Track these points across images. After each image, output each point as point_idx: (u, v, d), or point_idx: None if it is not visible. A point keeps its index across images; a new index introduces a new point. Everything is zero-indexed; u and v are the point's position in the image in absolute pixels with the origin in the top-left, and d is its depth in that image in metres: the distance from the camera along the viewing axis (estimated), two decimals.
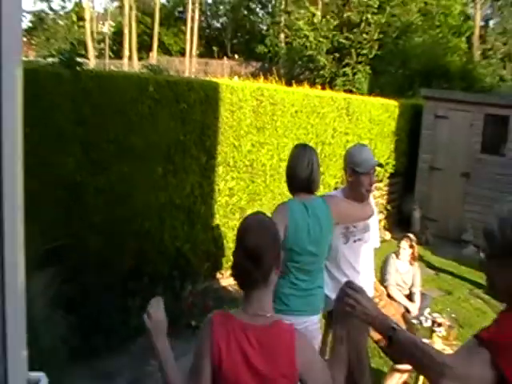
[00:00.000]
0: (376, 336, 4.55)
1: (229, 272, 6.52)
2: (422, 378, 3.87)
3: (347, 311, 2.06)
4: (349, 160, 3.76)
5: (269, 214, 2.65)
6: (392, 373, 4.65)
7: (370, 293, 3.92)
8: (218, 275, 6.60)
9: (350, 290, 2.04)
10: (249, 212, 6.81)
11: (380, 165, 3.92)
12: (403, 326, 4.43)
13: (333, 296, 3.67)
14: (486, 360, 1.82)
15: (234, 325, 2.09)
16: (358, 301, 2.01)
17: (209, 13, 37.84)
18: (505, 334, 1.89)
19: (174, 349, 4.86)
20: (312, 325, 3.52)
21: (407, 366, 4.53)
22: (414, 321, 4.84)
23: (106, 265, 4.88)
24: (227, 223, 6.56)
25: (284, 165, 3.72)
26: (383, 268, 5.70)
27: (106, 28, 35.45)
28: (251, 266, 2.06)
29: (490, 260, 2.03)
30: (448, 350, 3.54)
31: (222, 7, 37.76)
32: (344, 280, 3.68)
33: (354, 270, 3.82)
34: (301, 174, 3.46)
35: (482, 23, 28.66)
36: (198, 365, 2.11)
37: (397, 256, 5.69)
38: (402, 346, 1.95)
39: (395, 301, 5.35)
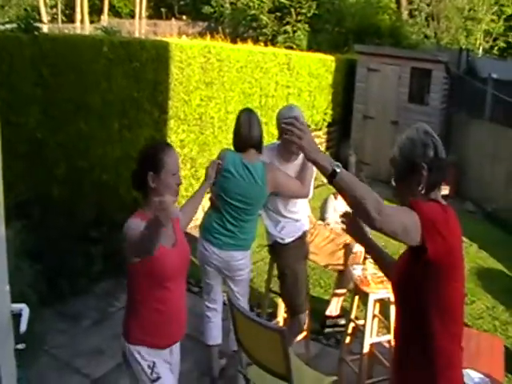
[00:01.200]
0: (317, 260, 4.65)
1: None
2: (356, 300, 4.00)
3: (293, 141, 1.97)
4: (278, 121, 3.74)
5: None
6: (332, 298, 4.82)
7: (307, 226, 4.01)
8: None
9: (297, 123, 1.97)
10: (199, 162, 6.79)
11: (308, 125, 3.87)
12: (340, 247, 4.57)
13: (273, 232, 3.81)
14: (418, 223, 1.91)
15: None
16: (302, 131, 1.95)
17: None
18: (431, 213, 1.98)
19: None
20: (235, 259, 3.67)
21: (343, 290, 4.71)
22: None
23: (68, 215, 4.79)
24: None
25: (231, 117, 3.71)
26: (322, 208, 5.78)
27: None
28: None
29: (397, 183, 2.17)
30: (379, 274, 3.67)
31: None
32: (280, 219, 3.80)
33: (290, 211, 3.86)
34: (241, 135, 3.60)
35: None
36: None
37: (335, 197, 5.76)
38: (345, 179, 1.92)
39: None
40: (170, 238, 2.54)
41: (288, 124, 1.95)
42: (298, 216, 3.91)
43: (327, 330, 4.76)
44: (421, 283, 2.04)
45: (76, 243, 4.77)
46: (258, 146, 3.63)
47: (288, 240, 3.84)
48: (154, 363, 2.52)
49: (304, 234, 3.97)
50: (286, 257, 3.84)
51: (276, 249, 3.87)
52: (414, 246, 1.95)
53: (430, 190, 2.10)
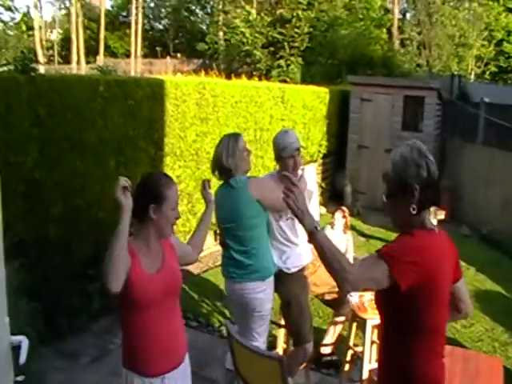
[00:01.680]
0: (317, 291, 4.68)
1: None
2: (354, 327, 4.02)
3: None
4: (274, 147, 3.82)
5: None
6: (329, 327, 4.82)
7: (309, 258, 4.02)
8: None
9: (289, 183, 2.12)
10: (196, 197, 6.85)
11: (301, 147, 3.91)
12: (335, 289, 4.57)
13: (278, 261, 3.80)
14: (385, 271, 1.99)
15: None
16: (291, 191, 2.09)
17: (151, 16, 37.20)
18: (397, 250, 2.06)
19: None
20: (250, 291, 3.62)
21: (342, 318, 4.71)
22: None
23: (65, 253, 4.84)
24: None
25: None
26: None
27: (55, 35, 34.48)
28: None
29: (388, 199, 2.19)
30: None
31: (163, 10, 37.19)
32: (285, 249, 3.84)
33: (292, 242, 3.88)
34: (219, 160, 3.64)
35: (400, 16, 29.25)
36: None
37: (332, 227, 5.82)
38: (319, 244, 2.05)
39: None
40: (156, 263, 2.53)
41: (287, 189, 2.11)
42: (302, 246, 3.93)
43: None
44: (400, 309, 2.10)
45: (73, 281, 4.79)
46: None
47: (293, 270, 3.86)
48: None
49: (304, 267, 4.00)
50: (291, 287, 3.85)
51: (280, 278, 3.85)
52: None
53: (420, 210, 2.12)
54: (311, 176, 4.09)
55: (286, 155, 3.73)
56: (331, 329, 4.80)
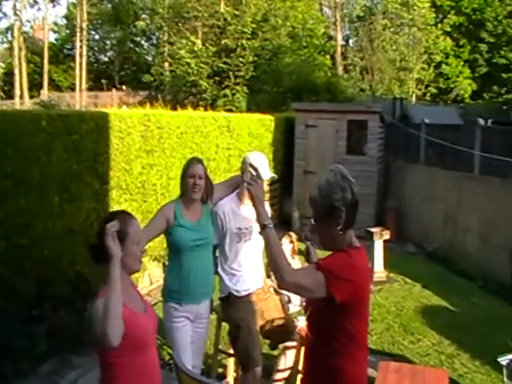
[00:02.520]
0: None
1: None
2: (303, 350, 4.08)
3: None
4: (244, 164, 3.88)
5: None
6: (282, 353, 4.84)
7: (260, 284, 4.09)
8: None
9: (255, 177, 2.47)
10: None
11: (273, 177, 4.03)
12: (282, 315, 4.60)
13: (229, 284, 3.89)
14: (321, 280, 2.19)
15: None
16: (256, 182, 2.39)
17: (96, 48, 37.05)
18: (335, 266, 2.24)
19: (80, 365, 4.78)
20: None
21: (293, 343, 4.73)
22: (299, 307, 5.05)
23: (9, 293, 4.75)
24: None
25: (173, 183, 3.86)
26: (268, 264, 5.92)
27: None
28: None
29: (316, 222, 2.36)
30: None
31: (108, 42, 37.11)
32: (235, 272, 3.89)
33: (245, 266, 3.95)
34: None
35: (343, 42, 30.11)
36: None
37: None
38: (268, 238, 2.30)
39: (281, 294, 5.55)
40: (139, 303, 2.55)
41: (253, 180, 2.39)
42: (253, 271, 3.99)
43: None
44: (331, 317, 2.28)
45: (18, 323, 4.69)
46: None
47: (243, 293, 3.91)
48: None
49: (251, 293, 4.01)
50: (241, 310, 3.88)
51: (229, 302, 3.91)
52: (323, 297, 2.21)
53: (346, 229, 2.31)
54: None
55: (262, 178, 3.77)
56: (283, 353, 4.81)
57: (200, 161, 3.83)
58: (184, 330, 3.75)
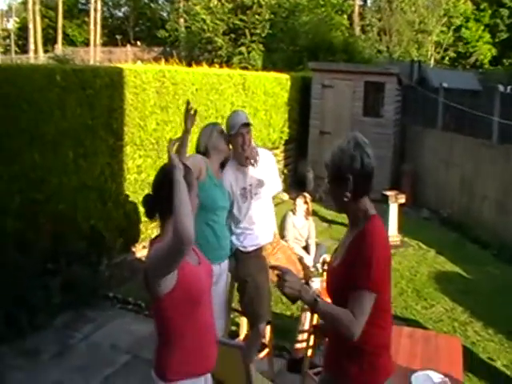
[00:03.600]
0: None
1: (141, 245, 6.48)
2: None
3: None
4: (226, 129, 3.82)
5: None
6: (301, 314, 4.79)
7: (269, 239, 4.07)
8: (132, 248, 6.50)
9: (279, 273, 2.27)
10: None
11: (249, 124, 3.82)
12: (300, 269, 4.58)
13: (235, 241, 3.87)
14: (373, 298, 2.20)
15: None
16: (284, 280, 2.22)
17: (110, 3, 36.44)
18: (379, 275, 2.23)
19: (94, 319, 4.82)
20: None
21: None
22: (312, 269, 5.03)
23: (24, 248, 4.73)
24: (137, 199, 6.42)
25: None
26: (282, 225, 5.86)
27: (11, 24, 33.51)
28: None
29: (329, 184, 2.39)
30: None
31: None
32: (247, 232, 3.85)
33: (255, 223, 3.91)
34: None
35: (361, 2, 29.41)
36: None
37: (293, 213, 5.86)
38: (322, 312, 2.26)
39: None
40: (193, 256, 2.47)
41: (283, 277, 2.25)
42: (261, 226, 3.95)
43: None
44: (356, 287, 2.23)
45: (33, 277, 4.70)
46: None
47: (250, 248, 3.88)
48: None
49: (261, 247, 4.00)
50: (248, 265, 3.87)
51: (237, 258, 3.88)
52: None
53: (357, 197, 2.32)
54: (269, 158, 4.11)
55: (233, 132, 3.73)
56: (303, 315, 4.74)
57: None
58: None
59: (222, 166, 3.83)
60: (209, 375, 2.53)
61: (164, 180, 2.33)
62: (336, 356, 2.44)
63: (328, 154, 2.35)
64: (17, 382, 4.02)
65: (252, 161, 3.84)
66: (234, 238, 3.90)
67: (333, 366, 2.48)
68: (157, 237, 2.42)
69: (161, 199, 2.33)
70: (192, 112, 3.51)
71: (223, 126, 3.88)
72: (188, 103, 3.47)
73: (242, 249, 3.88)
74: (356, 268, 2.21)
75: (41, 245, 4.91)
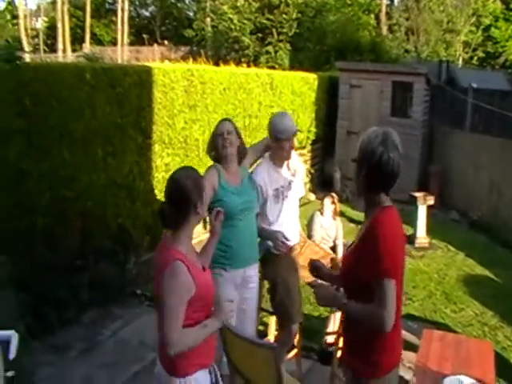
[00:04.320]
0: (307, 278, 4.62)
1: None
2: None
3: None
4: (272, 128, 3.76)
5: None
6: (330, 314, 4.76)
7: (296, 239, 4.04)
8: None
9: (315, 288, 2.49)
10: None
11: (298, 131, 3.88)
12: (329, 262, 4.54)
13: (268, 244, 3.79)
14: (394, 285, 2.26)
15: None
16: (319, 293, 2.45)
17: (137, 3, 36.63)
18: (394, 261, 2.29)
19: (121, 316, 4.84)
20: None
21: None
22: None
23: (53, 245, 4.77)
24: None
25: None
26: (309, 225, 5.81)
27: (40, 24, 33.89)
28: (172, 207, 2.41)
29: (357, 168, 2.44)
30: None
31: None
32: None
33: (284, 224, 3.86)
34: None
35: (388, 1, 29.07)
36: None
37: (321, 213, 5.80)
38: (351, 312, 2.40)
39: None
40: (198, 259, 2.57)
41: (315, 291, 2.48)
42: (289, 227, 3.91)
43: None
44: (370, 282, 2.30)
45: (61, 273, 4.72)
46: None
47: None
48: (210, 382, 2.54)
49: (292, 247, 3.97)
50: (278, 266, 3.84)
51: (267, 260, 3.84)
52: None
53: (372, 188, 2.39)
54: (297, 160, 4.12)
55: (283, 137, 3.69)
56: (331, 316, 4.73)
57: (228, 119, 3.69)
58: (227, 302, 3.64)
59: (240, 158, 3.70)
60: (215, 366, 2.62)
61: (175, 191, 2.42)
62: (349, 350, 2.53)
63: (361, 137, 2.43)
64: (46, 377, 4.04)
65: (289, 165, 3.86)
66: (264, 240, 3.83)
67: (347, 360, 2.56)
68: (164, 240, 2.50)
69: (174, 209, 2.42)
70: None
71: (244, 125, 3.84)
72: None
73: (272, 250, 3.83)
74: (373, 260, 2.25)
75: (69, 242, 4.94)
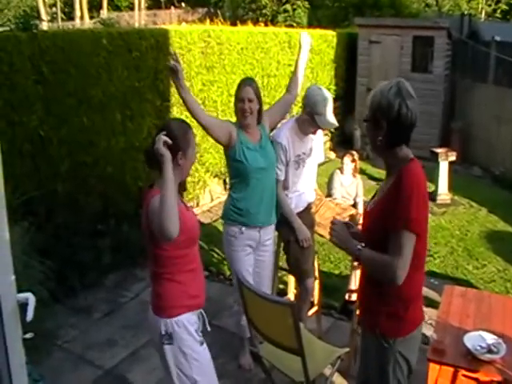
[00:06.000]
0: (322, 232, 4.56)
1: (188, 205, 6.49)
2: None
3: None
4: (313, 108, 3.59)
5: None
6: (351, 272, 4.71)
7: (311, 198, 4.00)
8: None
9: (332, 224, 2.42)
10: (203, 147, 6.72)
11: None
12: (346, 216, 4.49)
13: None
14: (413, 240, 2.16)
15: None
16: (333, 229, 2.39)
17: None
18: (419, 216, 2.18)
19: (143, 278, 4.86)
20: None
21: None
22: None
23: (74, 209, 4.77)
24: None
25: (234, 100, 3.60)
26: (329, 184, 5.73)
27: None
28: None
29: (366, 123, 2.32)
30: None
31: None
32: (294, 196, 3.76)
33: (301, 189, 3.84)
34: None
35: None
36: None
37: (341, 171, 5.71)
38: (365, 260, 2.31)
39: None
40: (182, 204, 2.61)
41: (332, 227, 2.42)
42: (307, 190, 3.89)
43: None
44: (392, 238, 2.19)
45: (83, 237, 4.73)
46: None
47: (297, 210, 3.79)
48: (197, 326, 2.57)
49: (309, 205, 3.95)
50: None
51: (283, 219, 3.79)
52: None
53: (391, 146, 2.24)
54: None
55: (317, 110, 3.57)
56: (353, 273, 4.67)
57: (251, 82, 3.51)
58: (244, 260, 3.59)
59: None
60: (203, 312, 2.65)
61: (174, 138, 2.42)
62: (367, 305, 2.45)
63: (370, 94, 2.26)
64: (70, 339, 4.09)
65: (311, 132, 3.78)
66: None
67: (365, 317, 2.50)
68: (152, 185, 2.54)
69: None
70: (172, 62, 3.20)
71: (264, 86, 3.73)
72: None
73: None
74: (395, 209, 2.14)
75: (91, 206, 4.94)
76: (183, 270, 2.53)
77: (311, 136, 3.81)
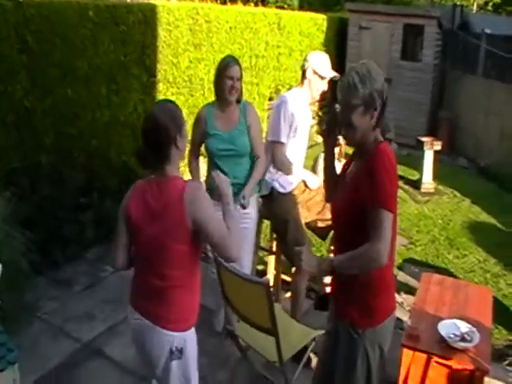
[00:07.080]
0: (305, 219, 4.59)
1: None
2: None
3: None
4: (318, 66, 3.69)
5: None
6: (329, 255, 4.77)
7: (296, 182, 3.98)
8: None
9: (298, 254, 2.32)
10: (190, 123, 6.70)
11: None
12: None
13: (273, 183, 3.78)
14: (391, 219, 2.12)
15: (144, 182, 2.37)
16: (301, 259, 2.28)
17: None
18: (392, 194, 2.15)
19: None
20: None
21: None
22: None
23: (58, 182, 4.77)
24: None
25: None
26: (314, 167, 5.78)
27: None
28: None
29: (353, 110, 2.21)
30: None
31: None
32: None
33: (293, 163, 3.85)
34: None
35: None
36: (118, 224, 2.43)
37: None
38: (344, 263, 2.21)
39: None
40: None
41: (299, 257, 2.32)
42: (297, 165, 3.89)
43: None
44: (364, 220, 2.15)
45: (67, 210, 4.74)
46: None
47: (289, 189, 3.81)
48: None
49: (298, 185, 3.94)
50: (287, 204, 3.82)
51: (274, 198, 3.82)
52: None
53: (377, 127, 2.23)
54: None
55: (327, 77, 3.50)
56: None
57: (237, 61, 3.57)
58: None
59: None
60: None
61: (152, 128, 2.24)
62: (337, 295, 2.43)
63: (353, 75, 2.20)
64: (50, 311, 4.11)
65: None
66: (269, 178, 3.81)
67: (335, 306, 2.47)
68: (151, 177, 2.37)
69: (153, 147, 2.25)
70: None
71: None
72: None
73: (280, 189, 3.79)
74: (370, 189, 2.10)
75: (74, 179, 4.94)
76: (197, 271, 2.41)
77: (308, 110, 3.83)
